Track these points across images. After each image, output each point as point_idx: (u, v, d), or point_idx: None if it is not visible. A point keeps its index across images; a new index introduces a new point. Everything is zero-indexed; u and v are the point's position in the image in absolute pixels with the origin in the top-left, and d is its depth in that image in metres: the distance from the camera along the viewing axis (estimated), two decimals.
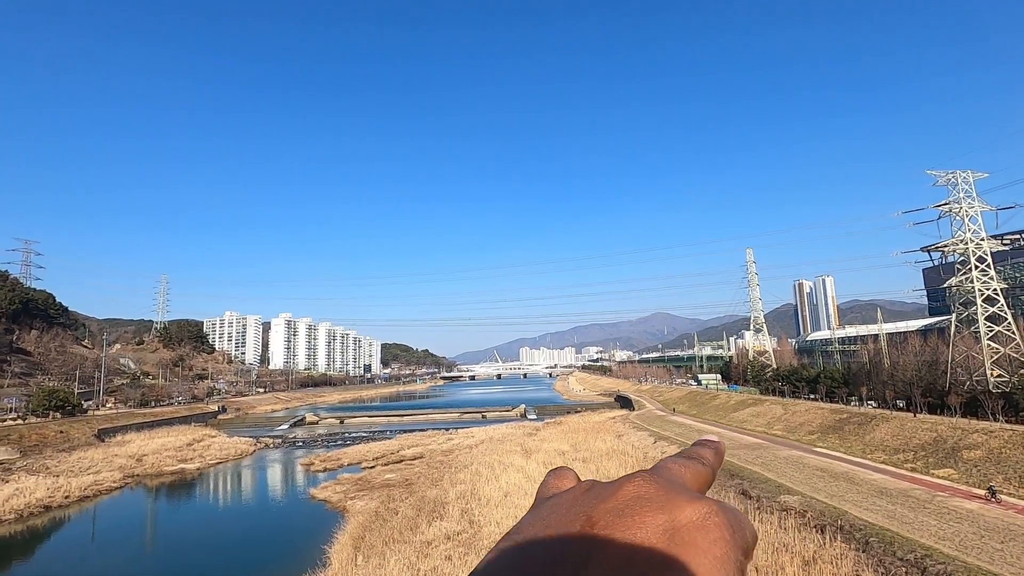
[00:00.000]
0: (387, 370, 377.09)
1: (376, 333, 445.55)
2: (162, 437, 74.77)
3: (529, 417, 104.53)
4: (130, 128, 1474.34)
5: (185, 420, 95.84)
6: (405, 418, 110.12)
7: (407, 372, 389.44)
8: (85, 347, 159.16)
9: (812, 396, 73.02)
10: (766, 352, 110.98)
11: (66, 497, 45.28)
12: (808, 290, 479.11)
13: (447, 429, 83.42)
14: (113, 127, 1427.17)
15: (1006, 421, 41.89)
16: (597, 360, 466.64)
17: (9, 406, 78.90)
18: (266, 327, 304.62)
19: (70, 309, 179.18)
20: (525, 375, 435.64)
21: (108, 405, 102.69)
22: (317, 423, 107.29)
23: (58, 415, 77.59)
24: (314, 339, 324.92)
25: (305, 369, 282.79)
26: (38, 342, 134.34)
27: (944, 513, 24.83)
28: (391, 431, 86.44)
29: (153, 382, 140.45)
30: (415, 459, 59.07)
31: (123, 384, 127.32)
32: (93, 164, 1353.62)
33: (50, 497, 44.33)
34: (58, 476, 50.62)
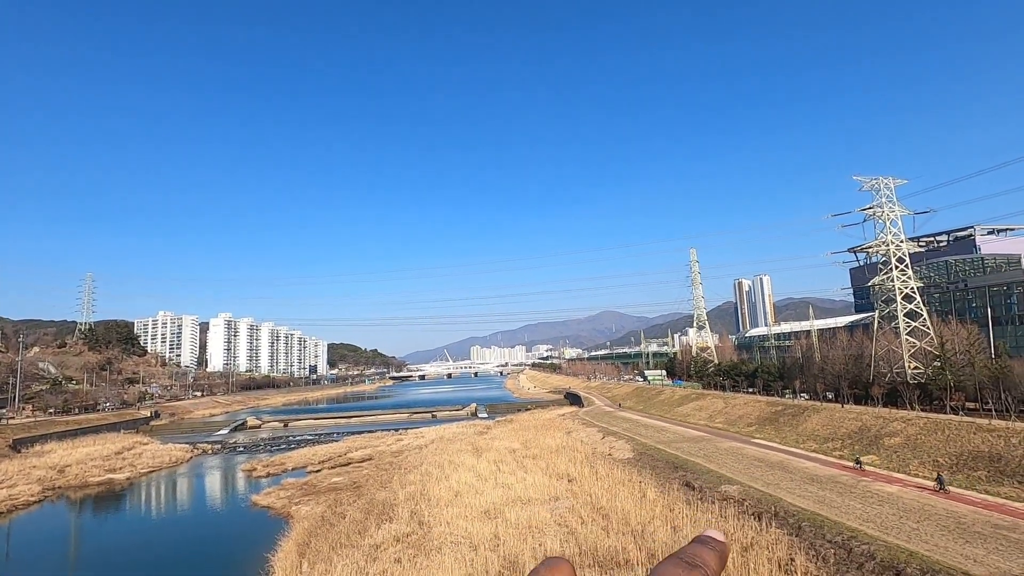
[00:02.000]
0: (334, 371, 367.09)
1: (322, 333, 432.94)
2: (88, 446, 69.99)
3: (480, 416, 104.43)
4: (52, 111, 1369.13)
5: (114, 427, 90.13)
6: (353, 420, 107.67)
7: (355, 373, 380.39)
8: None
9: (751, 390, 76.52)
10: (708, 348, 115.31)
11: None
12: (747, 288, 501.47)
13: (396, 430, 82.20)
14: (36, 109, 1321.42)
15: (922, 410, 45.30)
16: (547, 358, 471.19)
17: None
18: (204, 328, 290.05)
19: None
20: (476, 374, 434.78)
21: (25, 413, 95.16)
22: (259, 427, 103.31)
23: None
24: (256, 340, 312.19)
25: (246, 371, 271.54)
26: None
27: (868, 497, 26.57)
28: (338, 433, 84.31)
29: (77, 387, 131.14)
30: (363, 461, 57.84)
31: (42, 390, 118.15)
32: (8, 154, 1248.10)
33: None
34: None
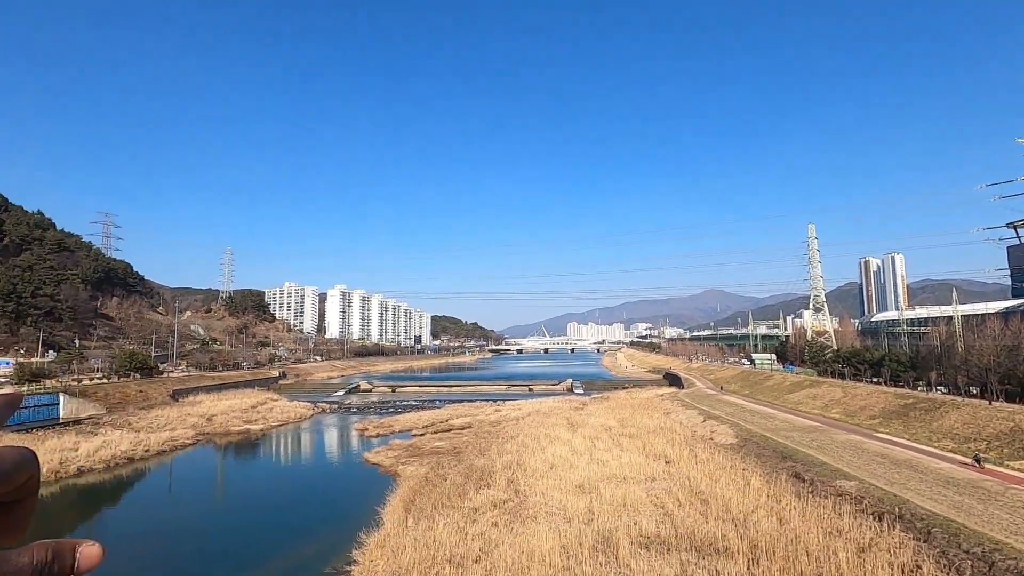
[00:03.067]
0: (436, 342, 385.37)
1: (426, 305, 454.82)
2: (229, 399, 79.67)
3: (576, 392, 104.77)
4: (196, 111, 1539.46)
5: (250, 384, 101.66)
6: (454, 389, 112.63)
7: (456, 344, 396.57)
8: (159, 314, 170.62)
9: (875, 380, 69.52)
10: (826, 332, 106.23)
11: (146, 451, 49.33)
12: (875, 268, 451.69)
13: (495, 401, 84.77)
14: (181, 111, 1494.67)
15: None
16: (646, 337, 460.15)
17: (96, 367, 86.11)
18: (322, 298, 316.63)
19: (145, 278, 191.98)
20: (572, 350, 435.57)
21: (181, 368, 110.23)
22: (370, 391, 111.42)
23: (137, 376, 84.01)
24: (367, 310, 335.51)
25: (359, 339, 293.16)
26: (119, 308, 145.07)
27: (1018, 507, 23.33)
28: (440, 401, 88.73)
29: (220, 348, 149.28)
30: (463, 429, 60.53)
31: (194, 349, 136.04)
32: (165, 145, 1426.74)
33: (133, 450, 48.39)
34: (139, 431, 55.12)
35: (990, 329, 64.98)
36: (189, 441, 55.65)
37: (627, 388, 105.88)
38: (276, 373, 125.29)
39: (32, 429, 51.96)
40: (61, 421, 57.00)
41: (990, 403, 44.41)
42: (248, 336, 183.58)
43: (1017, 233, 64.66)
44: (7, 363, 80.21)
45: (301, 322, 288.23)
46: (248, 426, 65.69)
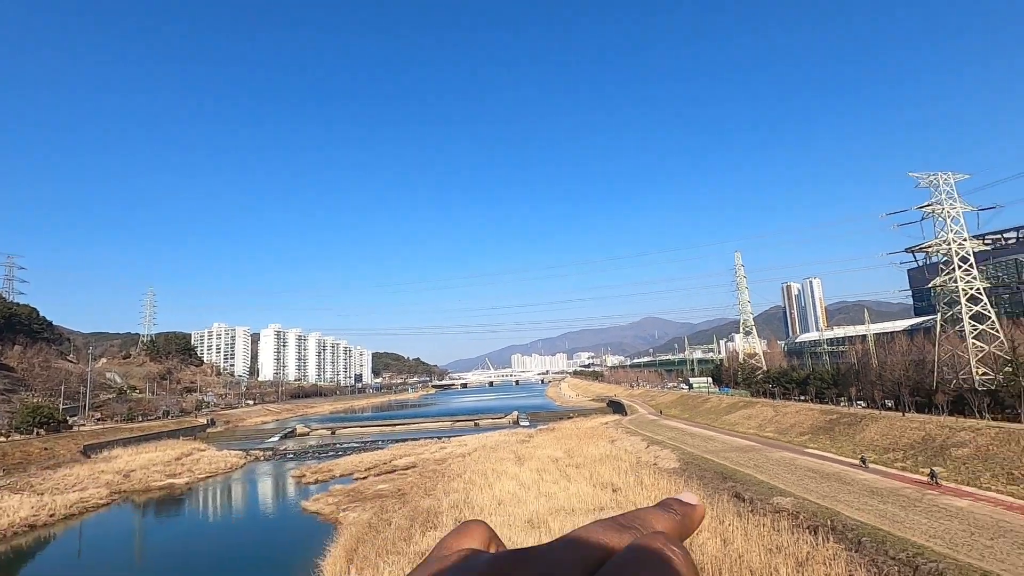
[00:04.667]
0: (378, 379, 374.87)
1: (367, 342, 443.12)
2: (150, 452, 73.68)
3: (522, 424, 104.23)
4: (113, 140, 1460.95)
5: (173, 434, 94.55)
6: (397, 428, 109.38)
7: (399, 381, 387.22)
8: (70, 362, 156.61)
9: (802, 397, 73.54)
10: (756, 354, 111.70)
11: (51, 515, 44.37)
12: (796, 292, 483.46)
13: (440, 438, 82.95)
14: (96, 139, 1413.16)
15: (992, 418, 42.43)
16: (589, 365, 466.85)
17: None
18: (255, 338, 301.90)
19: (54, 324, 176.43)
20: (517, 382, 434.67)
21: (94, 420, 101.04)
22: (308, 434, 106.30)
23: (43, 432, 76.24)
24: (304, 349, 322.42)
25: (295, 380, 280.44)
26: (21, 357, 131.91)
27: (934, 511, 25.05)
28: (383, 441, 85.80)
29: (140, 396, 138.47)
30: (408, 469, 58.65)
31: (109, 399, 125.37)
32: (76, 178, 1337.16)
33: (35, 516, 43.42)
34: (43, 494, 49.63)
35: (898, 346, 70.66)
36: (102, 501, 50.61)
37: (572, 418, 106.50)
38: (203, 421, 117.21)
39: None
40: None
41: (903, 414, 47.90)
42: (172, 382, 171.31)
43: (915, 257, 71.40)
44: None
45: (232, 364, 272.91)
46: (171, 480, 60.71)
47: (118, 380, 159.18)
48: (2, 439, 70.13)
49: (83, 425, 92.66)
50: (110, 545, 39.61)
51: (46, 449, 66.73)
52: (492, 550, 0.52)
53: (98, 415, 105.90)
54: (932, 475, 32.35)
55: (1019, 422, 39.63)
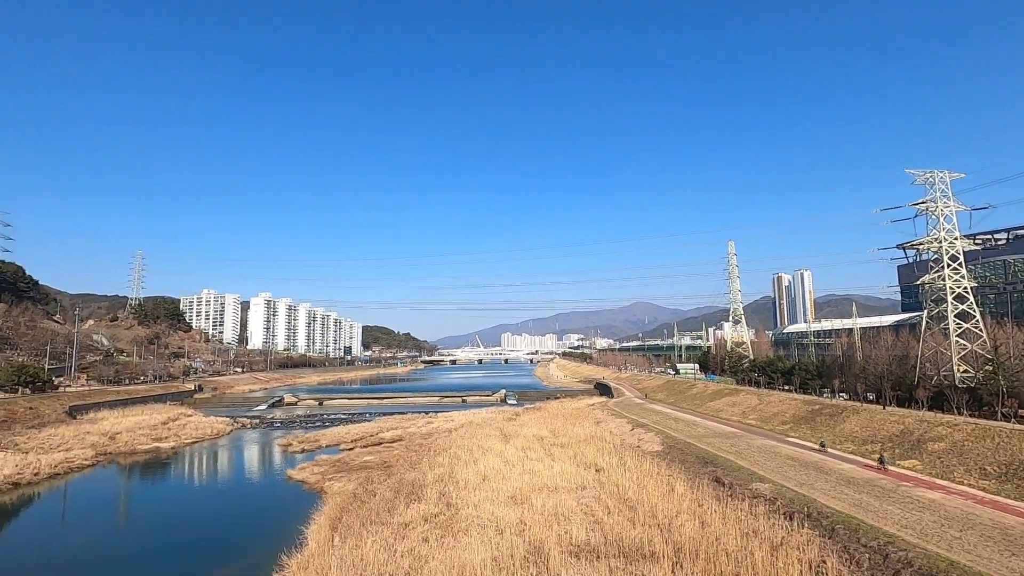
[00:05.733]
0: (368, 352, 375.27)
1: (357, 315, 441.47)
2: (136, 415, 73.70)
3: (509, 402, 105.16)
4: (111, 103, 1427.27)
5: (160, 398, 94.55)
6: (385, 401, 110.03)
7: (388, 355, 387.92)
8: (56, 322, 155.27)
9: (787, 387, 74.59)
10: (744, 343, 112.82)
11: (35, 474, 44.50)
12: (787, 283, 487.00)
13: (427, 413, 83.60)
14: (93, 100, 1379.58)
15: (970, 415, 43.28)
16: (578, 347, 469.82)
17: None
18: (245, 306, 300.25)
19: (40, 283, 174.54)
20: (506, 361, 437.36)
21: (80, 382, 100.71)
22: (296, 404, 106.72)
23: (27, 391, 75.94)
24: (294, 320, 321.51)
25: (284, 350, 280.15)
26: (6, 316, 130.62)
27: (908, 502, 25.67)
28: (370, 413, 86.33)
29: (127, 359, 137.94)
30: (394, 442, 59.15)
31: (96, 361, 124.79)
32: (68, 136, 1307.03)
33: (19, 474, 43.53)
34: (27, 453, 49.68)
35: (884, 341, 71.62)
36: (88, 462, 50.77)
37: (559, 398, 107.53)
38: (191, 386, 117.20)
39: None
40: None
41: (884, 408, 48.75)
42: (160, 347, 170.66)
43: (906, 254, 71.94)
44: None
45: (221, 332, 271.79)
46: (157, 444, 60.92)
47: (105, 342, 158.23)
48: None
49: (69, 386, 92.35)
50: (95, 506, 39.82)
51: (31, 408, 66.54)
52: None
53: (84, 377, 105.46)
54: (881, 460, 34.44)
55: (995, 419, 40.47)
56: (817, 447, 41.09)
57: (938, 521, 22.61)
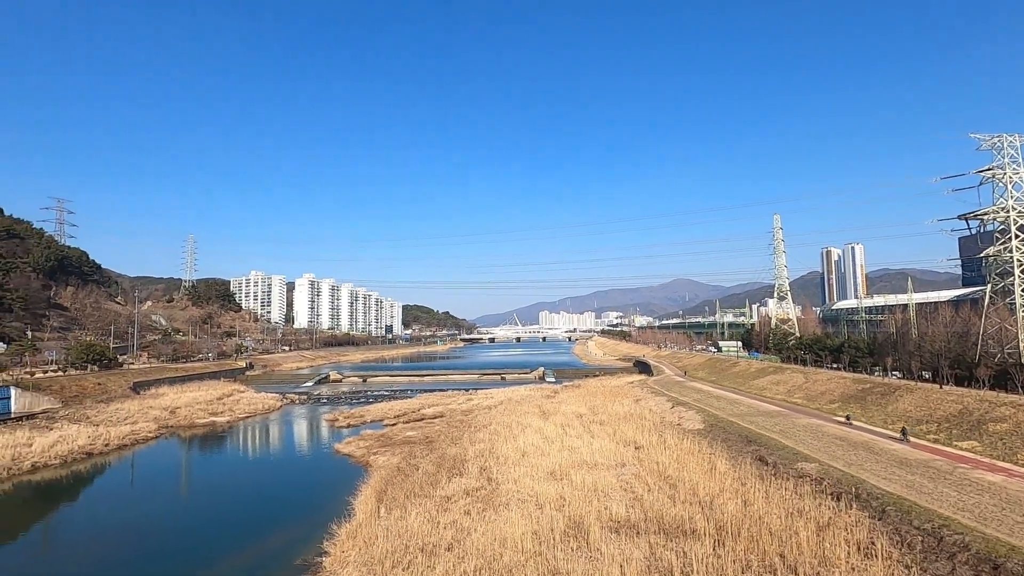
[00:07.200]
0: (408, 331, 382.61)
1: (397, 295, 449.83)
2: (193, 391, 77.65)
3: (548, 380, 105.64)
4: (157, 88, 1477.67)
5: (215, 375, 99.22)
6: (426, 378, 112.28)
7: (428, 333, 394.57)
8: (118, 304, 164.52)
9: (835, 366, 72.09)
10: (789, 320, 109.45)
11: (106, 445, 47.73)
12: (836, 258, 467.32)
13: (467, 390, 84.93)
14: (141, 89, 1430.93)
15: None
16: (617, 325, 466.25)
17: (50, 359, 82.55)
18: (290, 287, 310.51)
19: (103, 267, 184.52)
20: (544, 339, 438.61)
21: (142, 360, 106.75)
22: (341, 381, 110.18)
23: (95, 368, 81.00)
24: (337, 299, 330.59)
25: (328, 329, 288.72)
26: (74, 298, 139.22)
27: (965, 485, 24.59)
28: (412, 390, 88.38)
29: (183, 338, 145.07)
30: (435, 418, 60.46)
31: (155, 340, 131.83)
32: (121, 125, 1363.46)
33: (91, 445, 46.75)
34: (98, 425, 53.23)
35: (942, 317, 68.06)
36: (151, 435, 54.07)
37: (598, 376, 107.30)
38: (243, 364, 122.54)
39: None
40: (13, 416, 54.58)
41: (941, 387, 46.55)
42: (212, 326, 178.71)
43: (968, 225, 67.60)
44: None
45: (268, 312, 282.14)
46: (214, 418, 64.19)
47: (163, 322, 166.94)
48: (60, 373, 74.91)
49: (132, 364, 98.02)
50: (159, 476, 42.53)
51: (99, 384, 71.07)
52: None
53: (145, 355, 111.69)
54: (903, 432, 34.33)
55: None
56: (898, 436, 35.52)
57: (999, 504, 21.60)
